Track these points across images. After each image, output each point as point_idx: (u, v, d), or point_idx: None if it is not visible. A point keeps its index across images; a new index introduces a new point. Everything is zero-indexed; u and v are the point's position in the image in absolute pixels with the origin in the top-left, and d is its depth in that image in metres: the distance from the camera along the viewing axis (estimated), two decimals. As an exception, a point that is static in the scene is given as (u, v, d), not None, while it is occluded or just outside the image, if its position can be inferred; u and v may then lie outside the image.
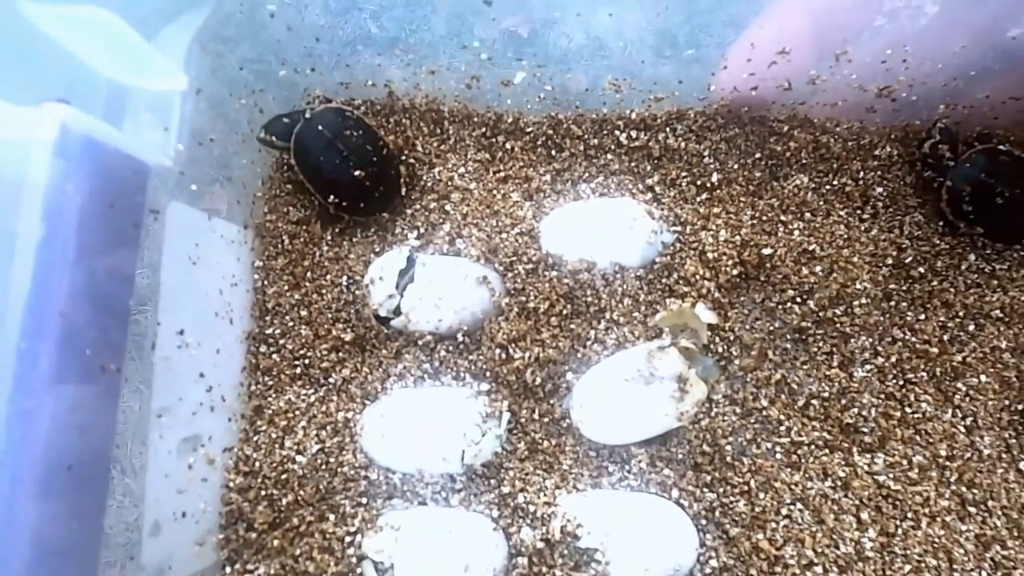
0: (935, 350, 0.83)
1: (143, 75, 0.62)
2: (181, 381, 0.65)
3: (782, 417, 0.79)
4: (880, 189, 0.89)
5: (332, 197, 0.80)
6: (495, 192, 0.87)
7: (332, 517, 0.73)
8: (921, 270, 0.86)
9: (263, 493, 0.74)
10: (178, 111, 0.66)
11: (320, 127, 0.79)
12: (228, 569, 0.72)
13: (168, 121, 0.66)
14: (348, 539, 0.72)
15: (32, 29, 0.56)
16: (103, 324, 0.54)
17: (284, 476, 0.74)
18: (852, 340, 0.82)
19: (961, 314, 0.85)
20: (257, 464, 0.75)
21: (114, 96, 0.62)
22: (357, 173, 0.78)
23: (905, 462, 0.79)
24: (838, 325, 0.82)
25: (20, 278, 0.47)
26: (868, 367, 0.82)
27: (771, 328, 0.82)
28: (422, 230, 0.85)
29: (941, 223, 0.86)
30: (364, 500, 0.74)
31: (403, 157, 0.86)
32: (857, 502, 0.77)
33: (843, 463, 0.79)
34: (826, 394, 0.81)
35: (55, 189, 0.49)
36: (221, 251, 0.73)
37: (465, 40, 0.76)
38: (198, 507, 0.67)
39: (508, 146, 0.89)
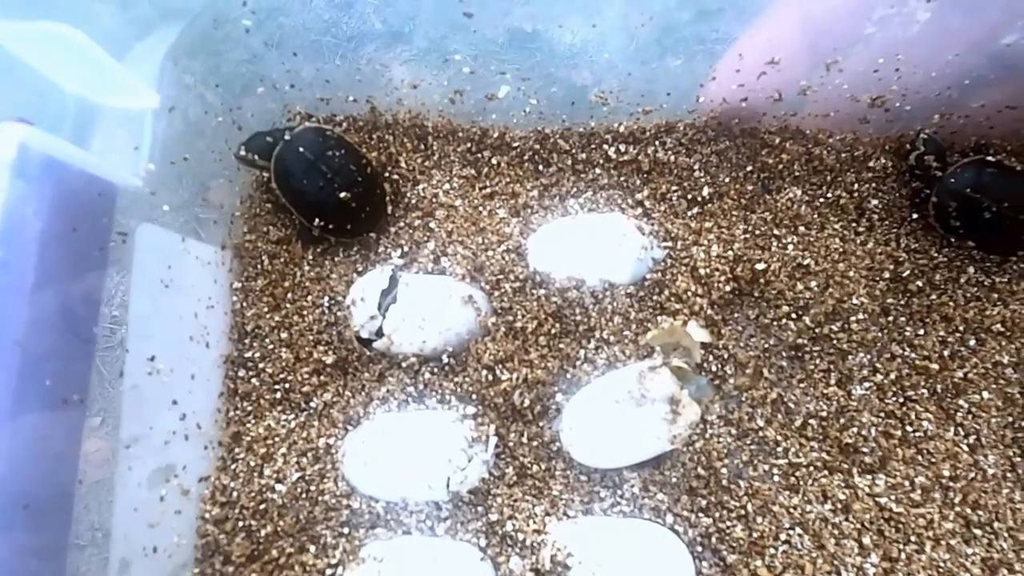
0: (935, 366, 0.80)
1: (112, 93, 0.60)
2: (152, 409, 0.62)
3: (779, 438, 0.77)
4: (875, 201, 0.87)
5: (318, 220, 0.77)
6: (481, 209, 0.85)
7: (313, 548, 0.71)
8: (919, 284, 0.84)
9: (241, 524, 0.71)
10: (149, 130, 0.64)
11: (301, 148, 0.77)
12: (203, 605, 0.69)
13: (139, 140, 0.63)
14: (329, 571, 0.69)
15: (-6, 47, 0.54)
16: (65, 353, 0.51)
17: (263, 506, 0.71)
18: (850, 357, 0.80)
19: (961, 329, 0.83)
20: (235, 494, 0.72)
21: (82, 115, 0.60)
22: (343, 195, 0.76)
23: (907, 483, 0.76)
24: (835, 341, 0.80)
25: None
26: (867, 384, 0.80)
27: (766, 345, 0.80)
28: (406, 248, 0.82)
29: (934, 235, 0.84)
30: (346, 530, 0.72)
31: (386, 174, 0.84)
32: (858, 526, 0.74)
33: (843, 485, 0.76)
34: (824, 413, 0.78)
35: (13, 212, 0.47)
36: (196, 273, 0.71)
37: (447, 54, 0.74)
38: (171, 541, 0.64)
39: (494, 161, 0.87)
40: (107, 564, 0.56)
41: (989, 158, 0.81)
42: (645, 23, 0.69)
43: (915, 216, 0.85)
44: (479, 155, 0.87)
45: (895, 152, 0.86)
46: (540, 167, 0.88)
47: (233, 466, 0.74)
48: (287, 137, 0.78)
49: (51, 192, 0.50)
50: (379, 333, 0.75)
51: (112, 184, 0.58)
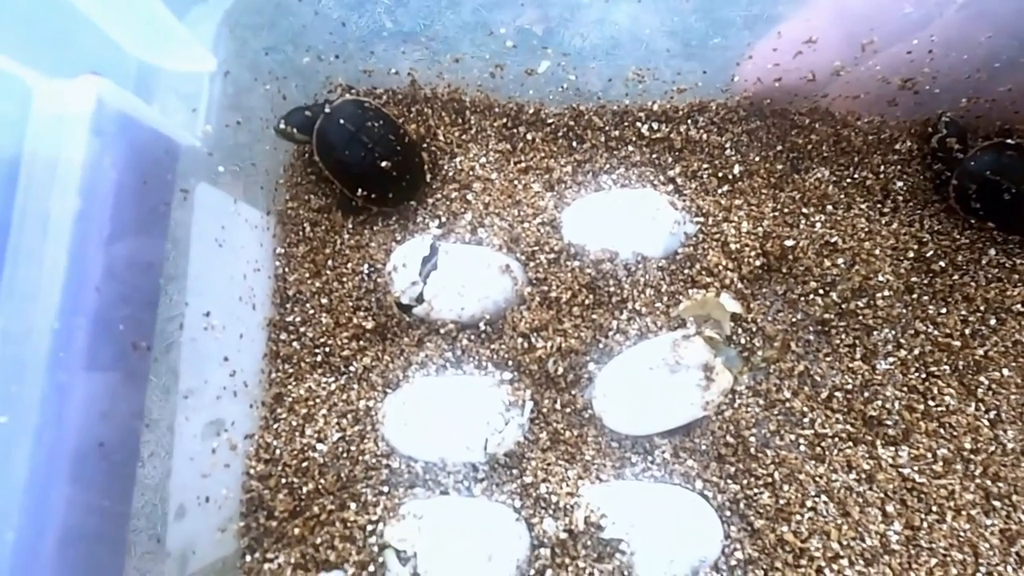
0: (957, 343, 0.82)
1: (173, 55, 0.62)
2: (207, 363, 0.64)
3: (805, 409, 0.79)
4: (900, 183, 0.89)
5: (360, 190, 0.79)
6: (516, 182, 0.87)
7: (353, 506, 0.73)
8: (942, 264, 0.86)
9: (283, 481, 0.73)
10: (206, 93, 0.65)
11: (342, 120, 0.79)
12: (248, 557, 0.71)
13: (196, 102, 0.65)
14: (370, 528, 0.71)
15: (65, 5, 0.56)
16: (134, 302, 0.53)
17: (304, 464, 0.73)
18: (875, 332, 0.82)
19: (982, 308, 0.85)
20: (277, 452, 0.74)
21: (143, 75, 0.61)
22: (384, 164, 0.78)
23: (929, 455, 0.78)
24: (860, 317, 0.82)
25: (55, 253, 0.47)
26: (891, 360, 0.82)
27: (793, 320, 0.82)
28: (443, 219, 0.84)
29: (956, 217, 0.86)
30: (386, 489, 0.74)
31: (424, 145, 0.86)
32: (882, 495, 0.76)
33: (867, 456, 0.78)
34: (849, 386, 0.80)
35: (92, 164, 0.49)
36: (245, 236, 0.73)
37: (492, 27, 0.76)
38: (220, 493, 0.66)
39: (529, 137, 0.89)
40: (167, 508, 0.58)
41: (1009, 141, 0.83)
42: (687, 1, 0.70)
43: (940, 198, 0.87)
44: (515, 130, 0.89)
45: (920, 135, 0.88)
46: (574, 143, 0.89)
47: (275, 425, 0.76)
48: (327, 110, 0.79)
49: (125, 146, 0.52)
50: (419, 299, 0.77)
51: (176, 142, 0.60)
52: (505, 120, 0.89)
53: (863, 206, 0.88)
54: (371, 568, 0.70)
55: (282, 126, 0.79)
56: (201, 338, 0.64)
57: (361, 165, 0.79)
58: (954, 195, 0.84)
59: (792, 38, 0.72)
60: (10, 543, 0.41)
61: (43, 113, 0.49)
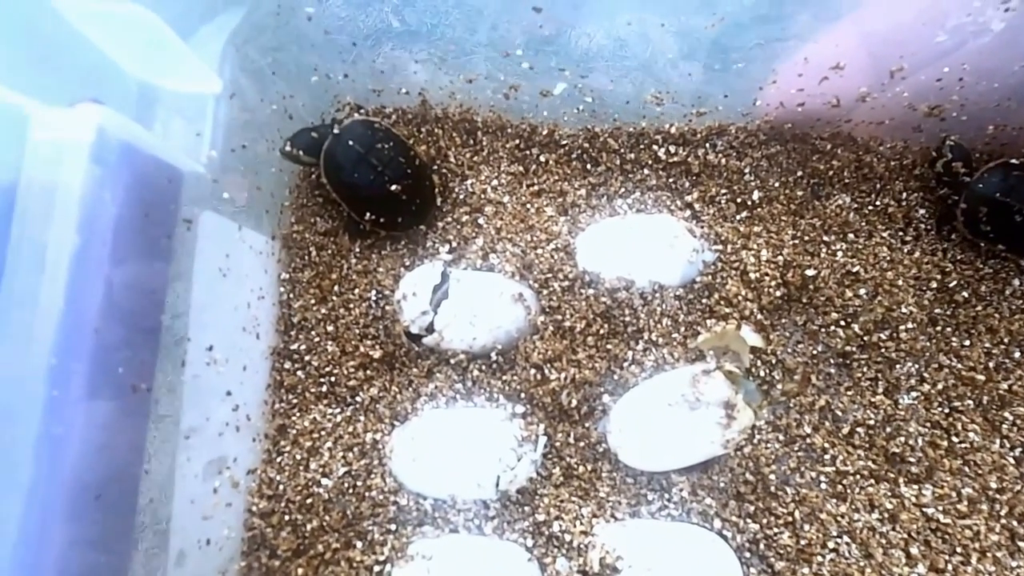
0: (981, 377, 0.80)
1: (177, 77, 0.59)
2: (209, 400, 0.62)
3: (826, 445, 0.77)
4: (923, 211, 0.86)
5: (368, 214, 0.76)
6: (529, 206, 0.84)
7: (359, 544, 0.70)
8: (965, 294, 0.83)
9: (287, 518, 0.70)
10: (211, 115, 0.63)
11: (351, 142, 0.76)
12: (249, 599, 0.68)
13: (200, 126, 0.62)
14: (376, 568, 0.69)
15: (63, 26, 0.53)
16: (134, 341, 0.50)
17: (309, 500, 0.71)
18: (897, 366, 0.80)
19: (1006, 340, 0.82)
20: (281, 487, 0.71)
21: (145, 99, 0.59)
22: (393, 187, 0.75)
23: (954, 494, 0.76)
24: (883, 350, 0.79)
25: (51, 294, 0.44)
26: (914, 394, 0.79)
27: (814, 352, 0.80)
28: (454, 244, 0.82)
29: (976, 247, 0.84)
30: (393, 527, 0.71)
31: (434, 167, 0.84)
32: (905, 535, 0.74)
33: (890, 494, 0.76)
34: (871, 421, 0.78)
35: (91, 196, 0.46)
36: (250, 263, 0.70)
37: (508, 48, 0.73)
38: (222, 533, 0.64)
39: (542, 159, 0.86)
40: (166, 556, 0.55)
41: (1014, 161, 0.80)
42: (715, 24, 0.68)
43: (946, 225, 0.84)
44: (527, 152, 0.87)
45: (925, 160, 0.86)
46: (588, 166, 0.87)
47: (279, 459, 0.73)
48: (336, 131, 0.77)
49: (126, 177, 0.49)
50: (430, 329, 0.74)
51: (179, 170, 0.57)
52: (518, 141, 0.86)
53: (885, 234, 0.85)
54: (377, 612, 0.67)
55: (288, 148, 0.76)
56: (204, 374, 0.61)
57: (370, 188, 0.76)
58: (963, 219, 0.81)
59: (819, 63, 0.70)
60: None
61: (41, 143, 0.46)
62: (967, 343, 0.82)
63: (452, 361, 0.76)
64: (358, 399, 0.77)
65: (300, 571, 0.69)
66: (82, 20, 0.54)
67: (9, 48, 0.46)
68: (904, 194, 0.86)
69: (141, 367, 0.51)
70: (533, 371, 0.75)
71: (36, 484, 0.41)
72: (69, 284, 0.44)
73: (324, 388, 0.77)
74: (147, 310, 0.52)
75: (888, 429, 0.78)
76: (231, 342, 0.66)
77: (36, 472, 0.41)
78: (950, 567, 0.73)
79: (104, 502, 0.46)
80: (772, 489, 0.74)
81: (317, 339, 0.78)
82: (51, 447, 0.42)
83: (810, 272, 0.80)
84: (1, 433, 0.41)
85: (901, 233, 0.86)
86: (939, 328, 0.82)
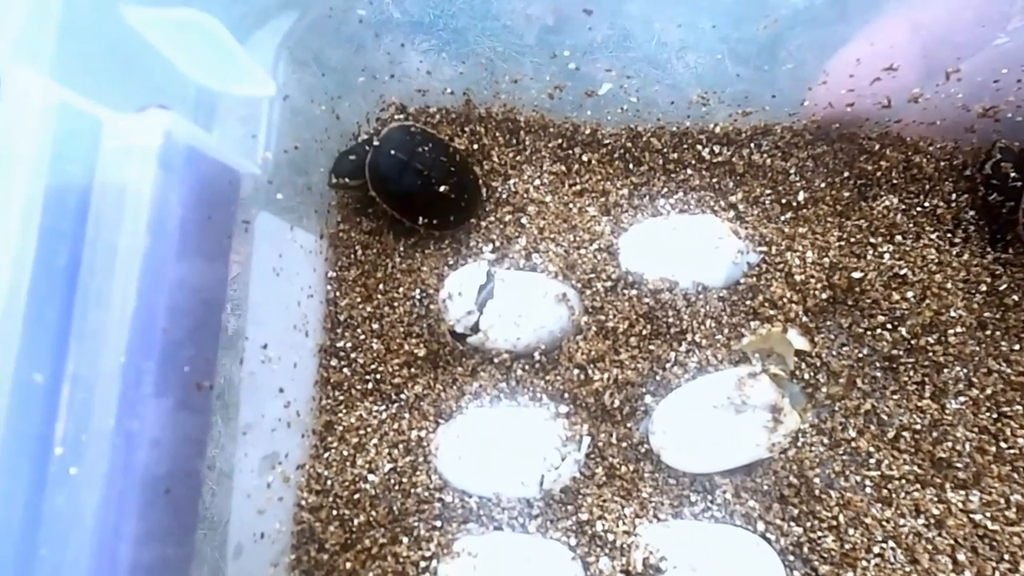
0: (1031, 383, 0.79)
1: (234, 81, 0.60)
2: (263, 396, 0.63)
3: (871, 449, 0.76)
4: (972, 212, 0.85)
5: (422, 218, 0.77)
6: (571, 206, 0.84)
7: (406, 540, 0.71)
8: (1015, 298, 0.82)
9: (335, 513, 0.72)
10: (265, 118, 0.64)
11: (392, 151, 0.77)
12: (299, 591, 0.70)
13: (256, 128, 0.64)
14: (423, 564, 0.70)
15: (128, 33, 0.54)
16: (198, 340, 0.51)
17: (356, 496, 0.72)
18: (945, 370, 0.78)
19: (1057, 345, 0.81)
20: (328, 482, 0.72)
21: (204, 102, 0.60)
22: (442, 189, 0.76)
23: (1002, 500, 0.75)
24: (931, 354, 0.78)
25: (124, 294, 0.45)
26: (962, 399, 0.78)
27: (860, 355, 0.79)
28: (497, 243, 0.82)
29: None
30: (439, 523, 0.72)
31: (474, 164, 0.84)
32: (952, 542, 0.73)
33: (936, 500, 0.75)
34: (917, 426, 0.77)
35: (159, 199, 0.47)
36: (300, 262, 0.71)
37: (556, 49, 0.73)
38: (274, 527, 0.65)
39: (585, 158, 0.86)
40: (226, 548, 0.56)
41: None
42: (768, 26, 0.67)
43: (995, 228, 0.83)
44: (570, 151, 0.87)
45: (973, 163, 0.84)
46: (631, 166, 0.87)
47: (326, 455, 0.74)
48: (375, 143, 0.77)
49: (191, 180, 0.50)
50: (475, 328, 0.75)
51: (238, 172, 0.58)
52: (560, 141, 0.86)
53: (933, 236, 0.84)
54: (424, 607, 0.68)
55: (334, 180, 0.77)
56: (259, 371, 0.62)
57: (419, 193, 0.77)
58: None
59: (871, 64, 0.69)
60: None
61: (112, 148, 0.47)
62: (1017, 347, 0.80)
63: (496, 360, 0.77)
64: (403, 396, 0.78)
65: (348, 565, 0.70)
66: (145, 26, 0.55)
67: (80, 56, 0.48)
68: (953, 195, 0.85)
69: (204, 365, 0.52)
70: (576, 371, 0.76)
71: (112, 478, 0.43)
72: (140, 284, 0.46)
73: (370, 385, 0.78)
74: (209, 309, 0.53)
75: (935, 434, 0.77)
76: (283, 340, 0.67)
77: (111, 466, 0.43)
78: (997, 574, 0.72)
79: (172, 496, 0.47)
80: (816, 492, 0.73)
81: (363, 337, 0.79)
82: (125, 442, 0.43)
83: (856, 275, 0.79)
84: (78, 429, 0.43)
85: (950, 235, 0.84)
86: (988, 332, 0.80)
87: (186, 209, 0.49)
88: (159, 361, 0.46)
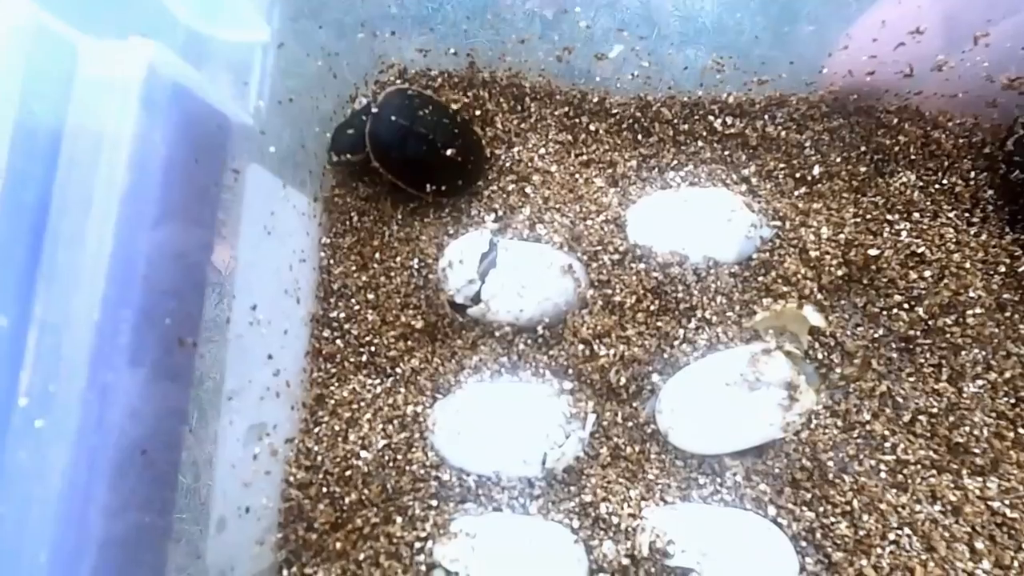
0: (1051, 367, 0.76)
1: (225, 23, 0.56)
2: (251, 362, 0.59)
3: (886, 432, 0.73)
4: (991, 191, 0.82)
5: (429, 185, 0.73)
6: (577, 176, 0.81)
7: (400, 520, 0.67)
8: (1035, 280, 0.79)
9: (324, 490, 0.68)
10: (258, 65, 0.60)
11: (393, 117, 0.73)
12: (285, 572, 0.66)
13: (247, 76, 0.59)
14: (418, 545, 0.66)
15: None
16: (182, 293, 0.47)
17: (347, 473, 0.68)
18: (963, 352, 0.76)
19: (1077, 329, 0.78)
20: (319, 458, 0.69)
21: (192, 43, 0.55)
22: (448, 152, 0.72)
23: (1021, 488, 0.72)
24: (948, 335, 0.75)
25: (99, 235, 0.41)
26: (980, 383, 0.75)
27: (875, 336, 0.76)
28: (500, 213, 0.78)
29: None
30: (435, 503, 0.68)
31: (478, 129, 0.80)
32: (969, 529, 0.70)
33: (953, 486, 0.72)
34: (934, 409, 0.74)
35: (141, 137, 0.43)
36: (293, 223, 0.67)
37: (567, 5, 0.70)
38: (260, 503, 0.61)
39: (592, 128, 0.83)
40: (208, 521, 0.52)
41: None
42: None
43: (1014, 207, 0.80)
44: (577, 120, 0.83)
45: (995, 140, 0.81)
46: (639, 136, 0.83)
47: (317, 429, 0.70)
48: (374, 110, 0.73)
49: (177, 119, 0.46)
50: (476, 299, 0.71)
51: (228, 117, 0.54)
52: (567, 109, 0.83)
53: (951, 215, 0.81)
54: (418, 590, 0.64)
55: (335, 158, 0.73)
56: (247, 334, 0.58)
57: (425, 159, 0.73)
58: None
59: (897, 27, 0.66)
60: (44, 564, 0.36)
61: (89, 78, 0.43)
62: (1035, 331, 0.78)
63: (497, 334, 0.73)
64: (398, 370, 0.74)
65: (338, 545, 0.66)
66: (131, -44, 0.51)
67: (57, -22, 0.43)
68: (972, 173, 0.82)
69: (188, 320, 0.48)
70: (581, 346, 0.72)
71: (82, 434, 0.39)
72: (118, 226, 0.42)
73: (364, 358, 0.74)
74: (195, 261, 0.49)
75: (951, 418, 0.74)
76: (273, 304, 0.63)
77: (82, 422, 0.39)
78: (1016, 564, 0.69)
79: (149, 459, 0.43)
80: (829, 477, 0.70)
81: (357, 307, 0.75)
82: (98, 396, 0.39)
83: (873, 252, 0.76)
84: (45, 379, 0.39)
85: (968, 214, 0.82)
86: (1008, 314, 0.78)
87: (170, 148, 0.45)
88: (138, 310, 0.42)
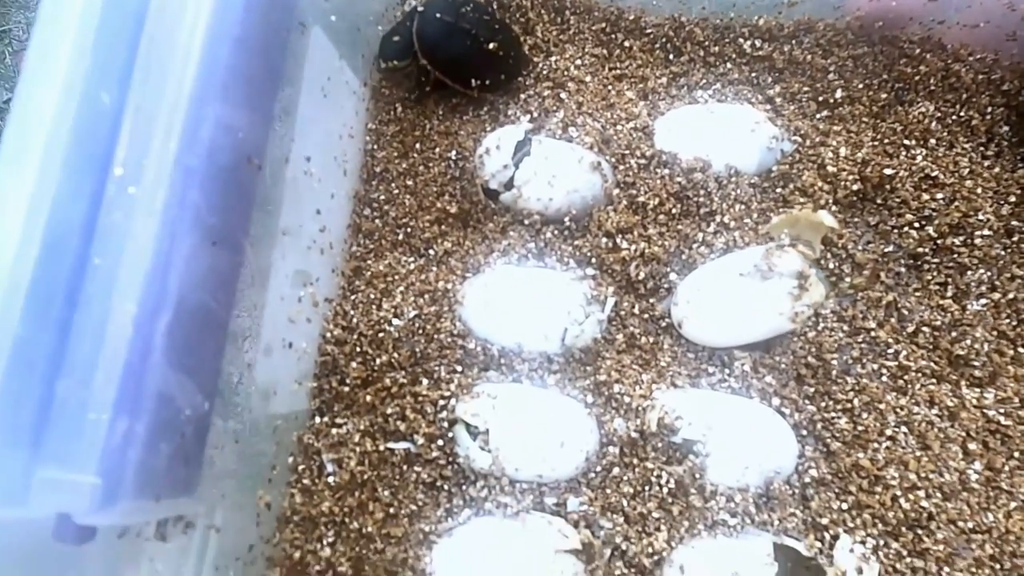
0: (1053, 292, 0.79)
1: None
2: (302, 208, 0.64)
3: (890, 340, 0.76)
4: (1007, 128, 0.86)
5: (475, 80, 0.78)
6: (610, 88, 0.85)
7: (426, 381, 0.72)
8: (1044, 211, 0.82)
9: (358, 350, 0.72)
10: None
11: (437, 15, 0.78)
12: (318, 419, 0.70)
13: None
14: (441, 403, 0.70)
15: None
16: (251, 116, 0.52)
17: (380, 336, 0.73)
18: (969, 272, 0.79)
19: (1082, 258, 0.81)
20: (354, 320, 0.73)
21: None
22: (491, 46, 0.77)
23: (1016, 399, 0.75)
24: (956, 255, 0.79)
25: (187, 41, 0.46)
26: (983, 301, 0.79)
27: (885, 251, 0.79)
28: (535, 114, 0.83)
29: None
30: (459, 368, 0.73)
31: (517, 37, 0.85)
32: (964, 433, 0.73)
33: (951, 394, 0.75)
34: (937, 323, 0.77)
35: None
36: (345, 97, 0.72)
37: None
38: (301, 345, 0.66)
39: (627, 44, 0.87)
40: (259, 335, 0.57)
41: None
42: None
43: None
44: (612, 36, 0.87)
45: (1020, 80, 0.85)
46: (671, 55, 0.88)
47: (353, 296, 0.75)
48: (420, 9, 0.78)
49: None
50: (509, 185, 0.76)
51: (298, -26, 0.59)
52: (604, 25, 0.87)
53: (966, 146, 0.85)
54: (440, 442, 0.69)
55: (383, 65, 0.78)
56: (301, 180, 0.63)
57: (470, 54, 0.78)
58: None
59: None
60: (131, 313, 0.40)
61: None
62: (1041, 257, 0.81)
63: (526, 221, 0.77)
64: (432, 251, 0.78)
65: (368, 399, 0.71)
66: None
67: None
68: (989, 108, 0.85)
69: (255, 142, 0.53)
70: (605, 239, 0.76)
71: (168, 207, 0.43)
72: (205, 36, 0.46)
73: (400, 237, 0.79)
74: (264, 89, 0.54)
75: (954, 333, 0.77)
76: (324, 164, 0.68)
77: (168, 195, 0.43)
78: (1007, 468, 0.73)
79: (218, 250, 0.48)
80: (833, 375, 0.74)
81: (396, 191, 0.80)
82: (183, 176, 0.44)
83: (888, 171, 0.80)
84: (139, 155, 0.43)
85: (982, 147, 0.85)
86: (1015, 240, 0.81)
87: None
88: (217, 106, 0.46)
